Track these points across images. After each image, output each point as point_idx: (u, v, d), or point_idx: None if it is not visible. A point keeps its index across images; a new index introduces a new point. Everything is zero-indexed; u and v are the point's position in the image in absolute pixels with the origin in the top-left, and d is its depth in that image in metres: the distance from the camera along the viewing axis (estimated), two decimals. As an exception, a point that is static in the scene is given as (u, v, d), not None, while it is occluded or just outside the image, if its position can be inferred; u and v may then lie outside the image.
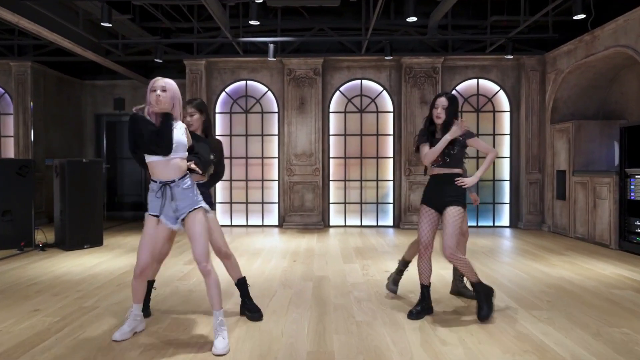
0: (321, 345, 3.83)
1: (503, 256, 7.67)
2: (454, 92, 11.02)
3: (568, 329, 4.16)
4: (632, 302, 5.01)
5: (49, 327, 4.22)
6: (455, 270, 5.25)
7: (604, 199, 8.42)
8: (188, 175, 3.82)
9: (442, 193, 4.48)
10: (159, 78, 3.76)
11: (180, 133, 3.75)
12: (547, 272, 6.41)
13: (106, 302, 5.02)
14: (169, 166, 3.71)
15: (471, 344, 3.84)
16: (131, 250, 8.05)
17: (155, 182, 3.77)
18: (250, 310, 4.53)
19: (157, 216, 3.79)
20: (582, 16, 7.45)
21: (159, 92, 3.67)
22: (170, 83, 3.74)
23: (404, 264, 5.37)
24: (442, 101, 4.41)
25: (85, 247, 8.13)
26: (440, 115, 4.39)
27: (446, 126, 4.40)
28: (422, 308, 4.56)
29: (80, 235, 8.10)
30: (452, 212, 4.40)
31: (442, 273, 6.35)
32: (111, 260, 7.24)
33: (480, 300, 4.45)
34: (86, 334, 4.07)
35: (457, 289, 5.31)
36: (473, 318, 4.48)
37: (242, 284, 4.59)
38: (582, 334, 4.04)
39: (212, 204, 4.39)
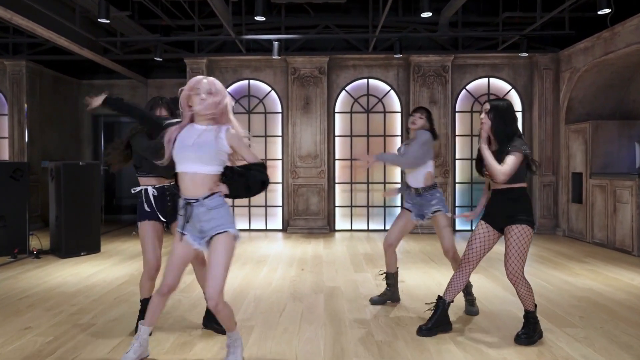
0: (340, 372, 3.46)
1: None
2: (463, 91, 10.67)
3: (610, 351, 3.79)
4: (671, 317, 4.65)
5: (40, 349, 3.84)
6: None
7: (625, 203, 8.05)
8: (218, 193, 3.23)
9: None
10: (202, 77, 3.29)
11: (217, 141, 3.18)
12: (571, 283, 6.04)
13: (103, 318, 4.65)
14: (194, 181, 3.20)
15: (506, 370, 3.48)
16: (129, 257, 7.68)
17: (180, 197, 3.29)
18: (218, 323, 4.09)
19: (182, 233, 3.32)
20: (607, 11, 7.08)
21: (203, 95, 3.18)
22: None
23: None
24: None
25: (81, 254, 7.75)
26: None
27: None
28: (434, 324, 4.18)
29: (77, 241, 7.72)
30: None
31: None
32: (109, 268, 6.86)
33: (528, 329, 4.03)
34: (81, 357, 3.69)
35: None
36: (504, 338, 4.10)
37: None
38: (627, 357, 3.67)
39: None
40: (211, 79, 3.27)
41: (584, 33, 9.16)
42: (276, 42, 9.27)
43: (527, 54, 9.55)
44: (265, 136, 10.84)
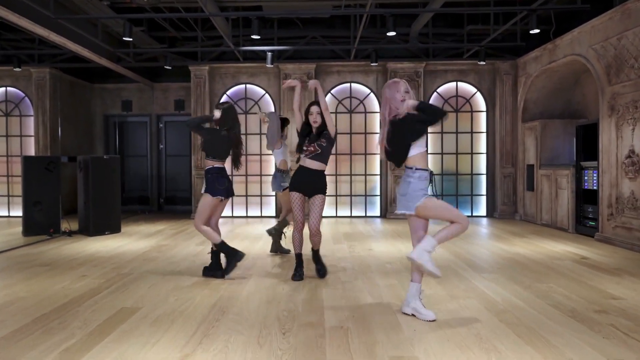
0: (313, 295, 4.95)
1: (474, 239, 8.79)
2: (435, 94, 12.17)
3: (506, 284, 5.30)
4: (566, 268, 6.16)
5: (99, 285, 5.34)
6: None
7: (564, 189, 9.57)
8: None
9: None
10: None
11: None
12: (505, 249, 7.55)
13: (139, 270, 6.13)
14: None
15: (428, 292, 4.97)
16: (147, 236, 9.15)
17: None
18: (215, 269, 5.82)
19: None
20: (537, 31, 8.59)
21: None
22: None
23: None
24: (316, 109, 5.44)
25: (106, 233, 9.21)
26: (317, 120, 5.43)
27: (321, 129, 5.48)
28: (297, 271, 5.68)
29: (102, 222, 9.19)
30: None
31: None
32: (132, 243, 8.34)
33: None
34: (130, 289, 5.17)
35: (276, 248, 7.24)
36: (433, 278, 5.60)
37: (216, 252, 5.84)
38: (515, 287, 5.18)
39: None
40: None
41: (535, 44, 10.67)
42: (269, 53, 10.78)
43: (485, 62, 11.07)
44: (260, 134, 12.31)
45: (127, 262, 6.68)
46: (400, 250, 7.50)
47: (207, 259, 6.53)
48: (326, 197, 5.69)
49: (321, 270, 5.75)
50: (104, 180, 9.20)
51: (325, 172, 5.67)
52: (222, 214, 6.11)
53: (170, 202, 14.37)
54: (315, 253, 5.79)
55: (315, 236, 5.59)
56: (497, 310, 4.40)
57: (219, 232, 5.87)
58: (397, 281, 5.52)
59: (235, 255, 5.63)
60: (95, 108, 14.25)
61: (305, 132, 5.54)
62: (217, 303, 4.67)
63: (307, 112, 5.50)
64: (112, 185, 9.38)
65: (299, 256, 5.69)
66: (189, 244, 8.19)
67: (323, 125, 5.46)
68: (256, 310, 4.45)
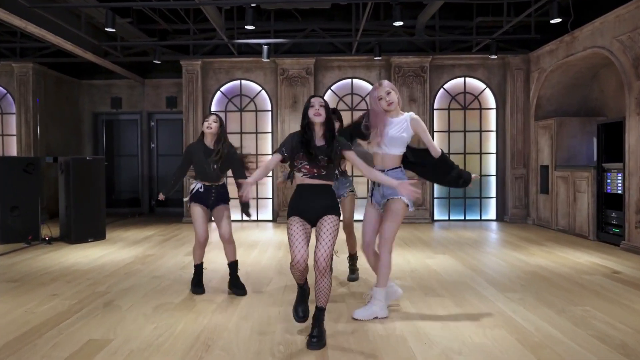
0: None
1: (487, 247, 8.12)
2: (441, 90, 11.48)
3: (536, 307, 4.61)
4: (598, 285, 5.46)
5: (68, 308, 4.64)
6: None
7: (583, 193, 8.88)
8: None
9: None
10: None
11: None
12: (524, 260, 6.86)
13: (116, 287, 5.43)
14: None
15: (448, 320, 4.28)
16: (132, 243, 8.45)
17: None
18: (237, 287, 5.21)
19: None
20: (558, 20, 7.89)
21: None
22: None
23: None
24: (319, 100, 3.95)
25: (89, 240, 8.51)
26: (320, 112, 3.88)
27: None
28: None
29: (84, 229, 8.48)
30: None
31: (427, 262, 6.80)
32: (115, 252, 7.64)
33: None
34: (103, 313, 4.48)
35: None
36: (450, 299, 4.91)
37: (233, 266, 5.31)
38: (547, 311, 4.49)
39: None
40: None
41: (550, 36, 9.98)
42: (266, 46, 10.07)
43: (496, 57, 10.36)
44: (256, 133, 11.62)
45: (106, 277, 5.98)
46: (409, 262, 6.80)
47: (192, 272, 5.88)
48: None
49: (317, 343, 3.70)
50: (87, 183, 8.50)
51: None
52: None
53: (162, 205, 13.61)
54: (320, 313, 3.84)
55: (323, 278, 3.79)
56: (533, 344, 3.71)
57: (226, 245, 5.39)
58: (409, 303, 4.83)
59: (194, 286, 5.31)
60: (83, 105, 13.53)
61: (306, 138, 3.88)
62: (201, 334, 3.97)
63: (306, 108, 3.91)
64: (96, 189, 8.67)
65: (301, 287, 4.11)
66: (177, 253, 7.50)
67: (328, 125, 3.91)
68: (246, 344, 3.76)
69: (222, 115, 11.64)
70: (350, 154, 3.94)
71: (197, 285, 5.27)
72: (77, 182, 8.37)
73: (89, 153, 13.48)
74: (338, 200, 4.64)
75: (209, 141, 5.19)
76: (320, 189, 3.91)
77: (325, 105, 3.94)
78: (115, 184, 13.80)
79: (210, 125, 5.11)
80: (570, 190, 9.31)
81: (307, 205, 3.89)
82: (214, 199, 5.25)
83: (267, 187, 11.71)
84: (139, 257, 7.19)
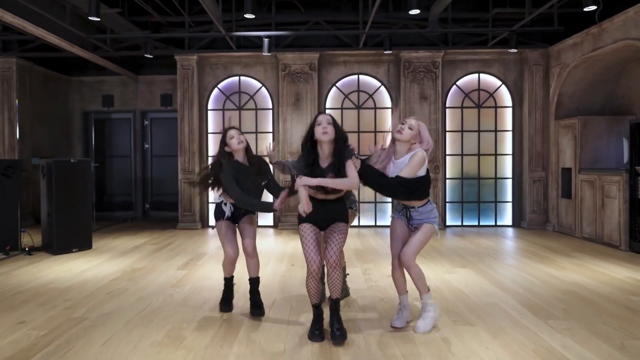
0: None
1: (508, 258, 7.38)
2: (454, 87, 10.75)
3: (590, 342, 3.87)
4: (654, 309, 4.73)
5: (34, 342, 3.90)
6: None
7: (613, 198, 8.14)
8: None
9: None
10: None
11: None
12: (557, 276, 6.11)
13: (96, 312, 4.69)
14: None
15: (484, 352, 3.55)
16: (122, 253, 7.71)
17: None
18: (257, 306, 4.69)
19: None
20: (593, 7, 7.12)
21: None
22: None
23: None
24: (326, 118, 4.00)
25: (73, 250, 7.77)
26: (327, 130, 3.93)
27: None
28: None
29: (68, 238, 7.74)
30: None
31: (447, 277, 6.07)
32: (100, 265, 6.89)
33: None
34: (74, 350, 3.74)
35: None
36: (485, 329, 4.18)
37: (253, 282, 4.77)
38: (606, 348, 3.75)
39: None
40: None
41: (573, 29, 9.24)
42: (266, 39, 9.31)
43: (516, 50, 9.61)
44: (256, 132, 10.87)
45: (86, 297, 5.23)
46: (429, 278, 6.05)
47: (185, 292, 5.17)
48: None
49: (340, 334, 3.92)
50: (71, 187, 7.76)
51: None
52: (213, 223, 5.25)
53: (156, 208, 12.93)
54: (335, 304, 4.02)
55: (334, 271, 3.94)
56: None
57: (248, 260, 4.79)
58: (437, 333, 4.09)
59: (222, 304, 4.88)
60: (73, 104, 12.78)
61: (310, 159, 4.00)
62: (189, 382, 3.24)
63: (313, 125, 3.99)
64: (82, 194, 7.92)
65: (317, 308, 4.09)
66: (169, 267, 6.76)
67: (337, 142, 3.97)
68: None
69: (219, 114, 10.90)
70: (348, 164, 3.95)
71: (226, 303, 4.84)
72: (60, 187, 7.62)
73: (79, 154, 12.74)
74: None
75: (242, 157, 4.65)
76: (330, 202, 4.08)
77: (333, 123, 3.97)
78: (107, 187, 13.08)
79: (242, 139, 4.61)
80: (597, 195, 8.58)
81: (318, 214, 4.01)
82: (243, 213, 4.75)
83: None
84: (126, 272, 6.45)
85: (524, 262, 7.00)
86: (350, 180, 3.89)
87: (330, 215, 4.07)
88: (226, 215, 4.66)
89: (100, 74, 12.47)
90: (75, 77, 12.68)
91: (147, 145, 12.92)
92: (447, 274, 6.31)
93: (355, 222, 10.76)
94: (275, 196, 4.52)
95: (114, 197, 13.06)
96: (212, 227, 6.26)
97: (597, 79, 9.40)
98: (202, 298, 5.20)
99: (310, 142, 4.00)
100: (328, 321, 4.04)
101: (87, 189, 8.01)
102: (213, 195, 10.11)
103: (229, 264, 4.75)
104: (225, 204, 4.67)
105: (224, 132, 4.63)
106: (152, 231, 10.16)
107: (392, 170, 4.17)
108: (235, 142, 4.56)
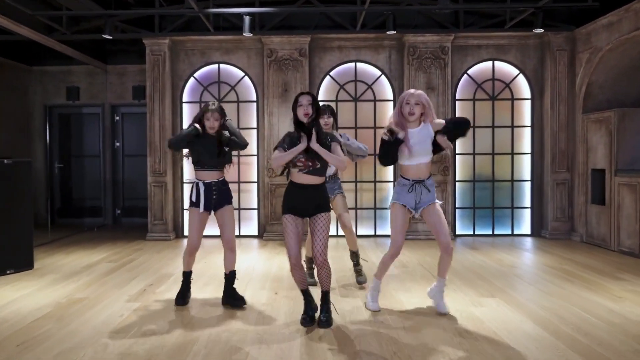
0: None
1: (542, 281, 5.99)
2: (465, 76, 9.39)
3: None
4: None
5: None
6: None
7: (662, 206, 6.78)
8: None
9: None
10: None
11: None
12: (618, 312, 4.72)
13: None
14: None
15: None
16: (68, 275, 6.28)
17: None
18: (234, 298, 4.92)
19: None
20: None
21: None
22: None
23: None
24: (307, 98, 4.28)
25: (7, 272, 6.32)
26: (308, 111, 4.25)
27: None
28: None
29: (2, 257, 6.31)
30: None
31: (475, 313, 4.67)
32: (33, 294, 5.46)
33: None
34: None
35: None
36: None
37: (231, 276, 5.00)
38: None
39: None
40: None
41: (607, 6, 7.85)
42: (247, 16, 7.88)
43: (542, 30, 8.22)
44: (238, 128, 9.43)
45: (-16, 352, 3.81)
46: (452, 309, 4.66)
47: (126, 341, 3.80)
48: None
49: (325, 320, 4.35)
50: (6, 195, 6.33)
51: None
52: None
53: (128, 214, 11.53)
54: (325, 296, 4.45)
55: (323, 269, 4.35)
56: None
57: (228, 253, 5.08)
58: None
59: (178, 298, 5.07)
60: (33, 96, 11.33)
61: (296, 137, 4.33)
62: None
63: (295, 106, 4.29)
64: (20, 203, 6.49)
65: (305, 293, 4.51)
66: (119, 296, 5.34)
67: (317, 120, 4.28)
68: None
69: (195, 107, 9.45)
70: (334, 146, 4.26)
71: (181, 296, 5.02)
72: (-9, 194, 6.19)
73: (40, 153, 11.29)
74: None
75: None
76: (313, 187, 4.32)
77: (314, 102, 4.21)
78: (73, 191, 11.69)
79: (214, 126, 4.94)
80: (639, 201, 7.22)
81: (300, 203, 4.34)
82: (217, 199, 4.92)
83: (252, 195, 9.56)
84: (61, 305, 5.01)
85: (564, 288, 5.62)
86: (342, 158, 4.26)
87: (310, 202, 4.31)
88: (202, 205, 4.79)
89: (65, 63, 10.97)
90: (36, 67, 11.25)
91: (118, 144, 11.52)
92: (473, 306, 4.93)
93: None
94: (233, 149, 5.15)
95: (80, 201, 11.66)
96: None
97: (633, 65, 8.07)
98: (148, 351, 3.78)
99: (296, 123, 4.28)
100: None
101: (26, 195, 6.58)
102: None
103: (189, 254, 4.95)
104: (198, 185, 4.81)
105: (205, 108, 4.94)
106: (117, 243, 8.72)
107: (417, 139, 4.42)
108: (207, 124, 4.87)
